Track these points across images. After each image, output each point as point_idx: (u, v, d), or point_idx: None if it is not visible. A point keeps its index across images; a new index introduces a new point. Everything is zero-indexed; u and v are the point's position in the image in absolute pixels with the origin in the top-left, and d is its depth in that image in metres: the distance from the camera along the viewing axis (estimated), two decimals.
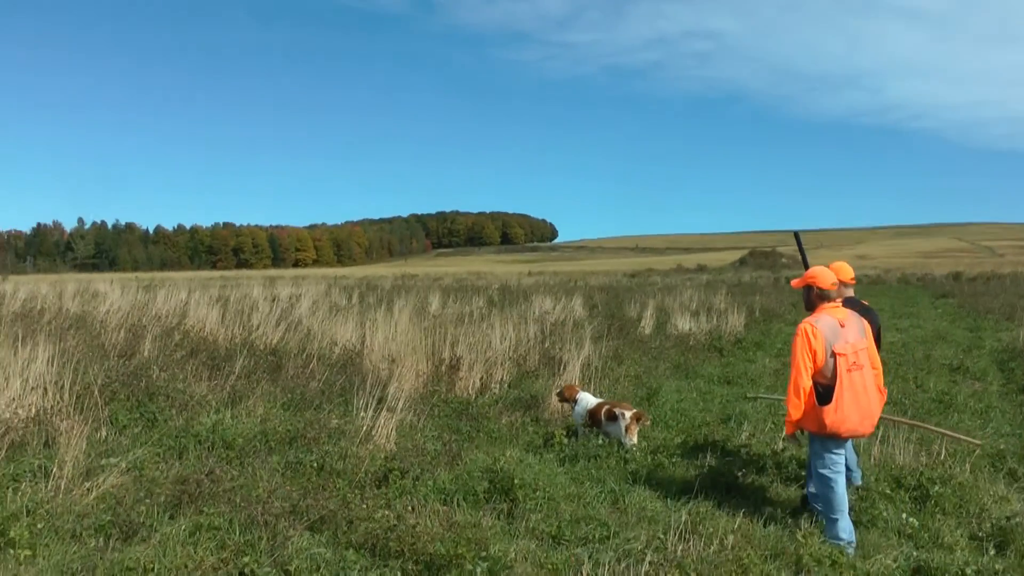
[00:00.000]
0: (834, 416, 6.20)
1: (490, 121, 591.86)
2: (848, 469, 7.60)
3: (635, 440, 8.81)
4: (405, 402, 9.47)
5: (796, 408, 6.31)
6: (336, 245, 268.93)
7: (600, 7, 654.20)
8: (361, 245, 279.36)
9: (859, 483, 7.59)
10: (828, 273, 6.64)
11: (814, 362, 6.27)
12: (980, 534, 6.54)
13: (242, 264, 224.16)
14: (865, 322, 6.72)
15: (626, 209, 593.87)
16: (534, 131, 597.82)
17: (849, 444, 7.44)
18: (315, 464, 7.58)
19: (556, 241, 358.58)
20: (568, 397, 9.84)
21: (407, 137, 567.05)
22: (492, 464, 7.58)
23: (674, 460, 8.50)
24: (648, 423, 9.26)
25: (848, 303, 7.30)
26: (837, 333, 6.31)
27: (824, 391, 6.30)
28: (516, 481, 7.15)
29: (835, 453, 6.40)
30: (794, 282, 7.02)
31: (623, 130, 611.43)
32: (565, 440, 9.02)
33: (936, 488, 7.25)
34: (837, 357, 6.24)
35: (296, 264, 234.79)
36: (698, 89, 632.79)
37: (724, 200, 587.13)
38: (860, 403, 6.27)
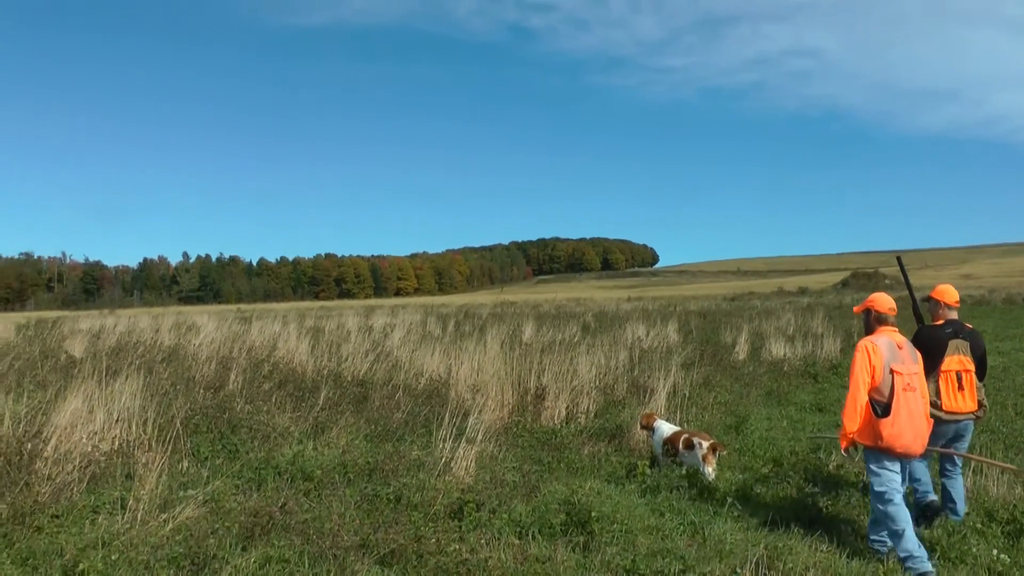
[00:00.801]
0: (891, 430, 6.37)
1: (588, 147, 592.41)
2: (951, 500, 7.33)
3: (713, 470, 8.59)
4: (486, 433, 9.44)
5: (852, 421, 6.50)
6: (437, 273, 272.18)
7: (697, 31, 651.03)
8: (462, 273, 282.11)
9: (960, 517, 7.26)
10: (886, 299, 6.84)
11: (872, 378, 6.48)
12: None
13: (344, 294, 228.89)
14: (916, 351, 6.80)
15: (727, 232, 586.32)
16: (633, 156, 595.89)
17: (959, 479, 7.42)
18: (391, 496, 7.59)
19: (657, 266, 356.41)
20: (646, 425, 9.71)
21: (507, 165, 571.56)
22: (570, 496, 7.48)
23: (758, 491, 8.25)
24: (725, 452, 9.01)
25: (952, 325, 7.34)
26: (895, 353, 6.53)
27: (881, 408, 6.46)
28: (593, 513, 7.03)
29: (890, 469, 6.49)
30: (856, 308, 7.25)
31: (722, 152, 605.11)
32: (648, 471, 8.85)
33: None
34: (895, 375, 6.44)
35: (397, 293, 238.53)
36: (798, 108, 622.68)
37: (825, 221, 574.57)
38: (915, 422, 6.46)
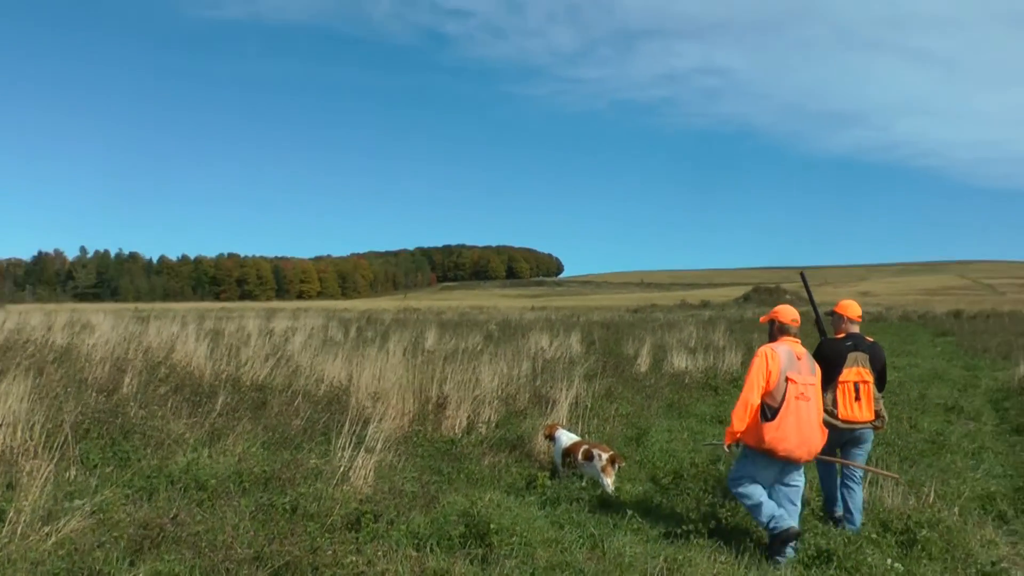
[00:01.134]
0: (774, 433, 6.65)
1: (498, 155, 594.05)
2: (849, 511, 7.59)
3: (612, 482, 8.61)
4: (386, 442, 9.30)
5: (740, 421, 6.77)
6: (341, 277, 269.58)
7: (611, 43, 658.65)
8: (366, 278, 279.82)
9: (857, 527, 7.44)
10: (789, 310, 7.20)
11: (767, 383, 6.75)
12: None
13: (246, 295, 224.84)
14: (816, 364, 7.11)
15: (632, 244, 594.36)
16: (542, 165, 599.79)
17: (859, 491, 7.66)
18: (287, 507, 7.38)
19: (562, 276, 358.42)
20: (549, 435, 9.72)
21: (414, 170, 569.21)
22: (469, 507, 7.39)
23: (659, 502, 8.31)
24: (624, 464, 9.04)
25: (853, 339, 7.62)
26: (793, 362, 6.81)
27: (770, 412, 6.72)
28: (492, 526, 6.94)
29: (760, 469, 6.90)
30: (762, 318, 7.54)
31: (631, 165, 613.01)
32: (548, 483, 8.83)
33: (924, 532, 7.10)
34: (789, 383, 6.71)
35: (300, 296, 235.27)
36: (707, 125, 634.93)
37: (730, 236, 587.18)
38: (802, 430, 6.71)
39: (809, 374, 6.88)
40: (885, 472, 8.15)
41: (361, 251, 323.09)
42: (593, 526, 7.47)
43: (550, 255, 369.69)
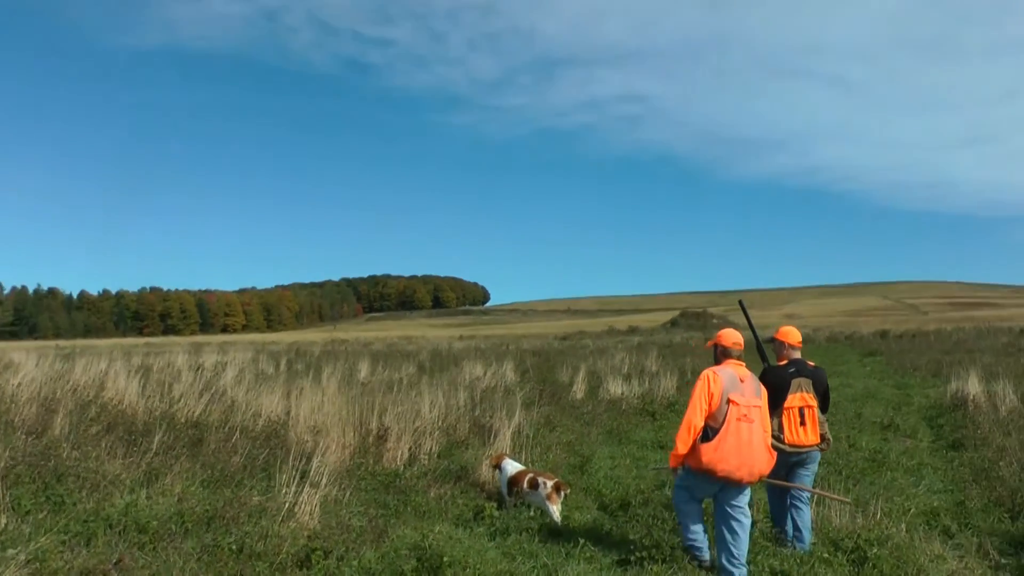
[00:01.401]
0: (712, 454, 6.66)
1: (423, 184, 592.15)
2: (798, 530, 7.65)
3: (558, 510, 8.54)
4: (330, 476, 9.08)
5: (684, 444, 6.80)
6: (266, 310, 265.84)
7: (532, 71, 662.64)
8: (291, 309, 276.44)
9: (807, 547, 7.46)
10: (731, 334, 7.28)
11: (709, 405, 6.76)
12: None
13: (169, 330, 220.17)
14: (763, 387, 7.10)
15: (558, 272, 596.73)
16: (467, 194, 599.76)
17: (807, 510, 7.74)
18: (233, 546, 7.14)
19: (488, 304, 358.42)
20: (496, 464, 9.63)
21: (339, 200, 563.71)
22: (420, 541, 7.25)
23: (610, 530, 8.25)
24: (568, 492, 8.97)
25: (796, 365, 7.68)
26: (736, 385, 6.82)
27: (711, 432, 6.75)
28: (445, 559, 6.81)
29: (698, 491, 7.01)
30: (708, 343, 7.61)
31: (555, 192, 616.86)
32: (496, 513, 8.72)
33: (874, 550, 7.15)
34: (731, 405, 6.71)
35: (225, 329, 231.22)
36: (629, 152, 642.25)
37: (655, 262, 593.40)
38: (742, 452, 6.70)
39: (753, 396, 6.88)
40: (836, 496, 8.21)
41: (286, 283, 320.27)
42: (545, 556, 7.38)
43: (476, 284, 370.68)
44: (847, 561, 7.10)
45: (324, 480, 8.67)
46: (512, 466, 9.39)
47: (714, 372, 6.90)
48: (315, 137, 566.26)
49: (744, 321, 8.80)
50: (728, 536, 6.89)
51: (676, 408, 17.50)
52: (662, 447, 13.10)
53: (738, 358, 7.16)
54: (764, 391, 7.08)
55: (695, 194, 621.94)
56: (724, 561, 6.84)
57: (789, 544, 7.61)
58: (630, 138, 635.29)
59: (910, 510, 8.42)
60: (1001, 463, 10.25)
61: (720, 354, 7.20)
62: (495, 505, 8.93)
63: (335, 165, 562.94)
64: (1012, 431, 12.39)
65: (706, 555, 7.12)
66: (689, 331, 76.22)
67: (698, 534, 7.18)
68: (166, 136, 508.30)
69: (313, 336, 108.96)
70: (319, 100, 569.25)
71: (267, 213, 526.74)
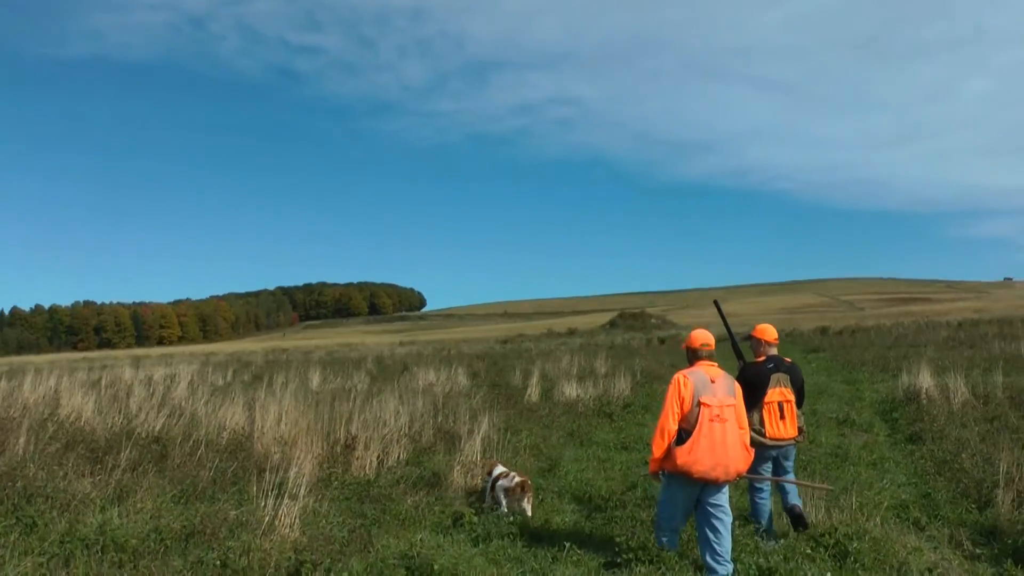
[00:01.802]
0: (687, 457, 6.66)
1: (356, 190, 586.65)
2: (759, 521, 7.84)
3: (528, 508, 8.70)
4: (307, 487, 8.91)
5: (659, 448, 6.83)
6: (201, 321, 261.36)
7: (463, 76, 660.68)
8: (227, 320, 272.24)
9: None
10: (700, 335, 7.24)
11: (681, 408, 6.77)
12: None
13: (104, 344, 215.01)
14: (736, 384, 7.14)
15: (494, 275, 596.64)
16: (401, 200, 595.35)
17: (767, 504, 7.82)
18: (217, 562, 6.97)
19: (425, 310, 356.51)
20: (489, 472, 9.65)
21: (272, 208, 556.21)
22: (408, 550, 7.18)
23: (591, 532, 8.24)
24: (530, 495, 9.00)
25: (773, 361, 7.84)
26: (707, 386, 6.81)
27: (684, 435, 6.75)
28: (436, 567, 6.74)
29: (681, 492, 6.93)
30: (683, 345, 7.53)
31: (489, 196, 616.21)
32: (475, 519, 8.64)
33: (854, 544, 7.21)
34: (702, 407, 6.71)
35: (161, 342, 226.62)
36: (562, 154, 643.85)
37: (590, 263, 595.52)
38: (716, 452, 6.70)
39: (726, 395, 6.89)
40: (818, 485, 8.32)
41: (221, 293, 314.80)
42: (532, 560, 7.34)
43: (412, 289, 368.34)
44: (828, 556, 7.16)
45: (302, 491, 8.50)
46: (498, 470, 9.43)
47: (684, 376, 6.91)
48: (246, 145, 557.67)
49: (716, 318, 8.88)
50: (711, 535, 6.90)
51: (632, 409, 17.55)
52: (625, 448, 13.13)
53: (709, 358, 7.14)
54: (738, 389, 7.10)
55: (629, 196, 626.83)
56: (709, 559, 6.85)
57: (767, 538, 7.69)
58: (563, 141, 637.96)
59: (884, 504, 8.52)
60: (963, 455, 10.43)
61: (691, 356, 7.21)
62: (473, 511, 8.85)
63: (268, 173, 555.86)
64: (967, 423, 12.63)
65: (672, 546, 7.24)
66: (629, 332, 76.57)
67: (670, 538, 7.22)
68: (93, 147, 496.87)
69: (252, 346, 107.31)
70: (249, 108, 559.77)
71: (200, 223, 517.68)
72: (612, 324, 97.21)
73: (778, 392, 7.67)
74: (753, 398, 7.55)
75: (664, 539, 7.24)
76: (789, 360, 8.07)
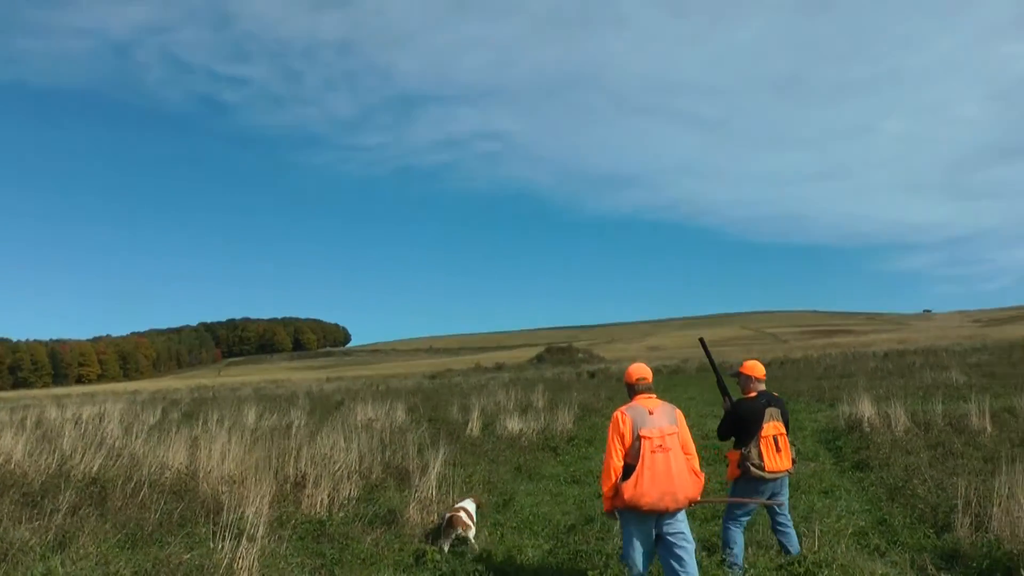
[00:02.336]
0: (632, 491, 6.59)
1: (280, 224, 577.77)
2: (789, 552, 7.74)
3: (463, 532, 8.72)
4: (265, 528, 8.47)
5: (607, 486, 6.79)
6: (122, 358, 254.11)
7: (390, 110, 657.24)
8: (148, 357, 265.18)
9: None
10: (637, 369, 7.19)
11: (623, 444, 6.73)
12: None
13: (20, 383, 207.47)
14: (677, 411, 7.07)
15: (419, 310, 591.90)
16: (326, 234, 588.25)
17: (792, 530, 7.86)
18: None
19: (349, 345, 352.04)
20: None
21: (194, 243, 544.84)
22: None
23: (561, 568, 7.95)
24: (469, 529, 8.87)
25: (763, 396, 7.78)
26: (645, 419, 6.75)
27: (628, 470, 6.69)
28: None
29: (637, 527, 6.78)
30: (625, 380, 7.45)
31: (415, 231, 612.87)
32: (438, 556, 8.30)
33: (824, 572, 7.10)
34: (642, 440, 6.65)
35: (80, 380, 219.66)
36: (489, 189, 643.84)
37: (516, 298, 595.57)
38: (660, 481, 6.63)
39: (667, 424, 6.84)
40: (770, 502, 8.22)
41: (142, 329, 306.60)
42: None
43: (337, 325, 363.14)
44: None
45: (260, 532, 8.06)
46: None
47: (622, 413, 6.86)
48: (169, 177, 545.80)
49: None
50: (675, 564, 6.72)
51: (576, 443, 17.26)
52: (575, 482, 12.89)
53: (647, 391, 7.09)
54: (679, 416, 7.04)
55: (555, 230, 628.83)
56: None
57: (737, 569, 7.54)
58: (490, 175, 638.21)
59: (848, 531, 8.44)
60: (915, 481, 10.43)
61: (630, 390, 7.16)
62: (435, 549, 8.50)
63: (191, 206, 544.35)
64: (912, 450, 12.70)
65: None
66: (558, 366, 76.24)
67: (637, 567, 6.95)
68: (12, 176, 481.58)
69: (176, 383, 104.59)
70: (174, 139, 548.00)
71: (120, 257, 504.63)
72: (539, 358, 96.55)
73: (772, 426, 7.62)
74: (748, 433, 7.56)
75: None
76: (776, 395, 8.07)
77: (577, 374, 54.27)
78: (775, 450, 7.53)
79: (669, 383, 37.93)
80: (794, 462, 7.83)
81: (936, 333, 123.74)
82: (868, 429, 15.10)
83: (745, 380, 7.90)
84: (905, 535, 8.63)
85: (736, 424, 7.66)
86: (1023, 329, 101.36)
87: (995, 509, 7.98)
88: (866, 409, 16.02)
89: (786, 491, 7.91)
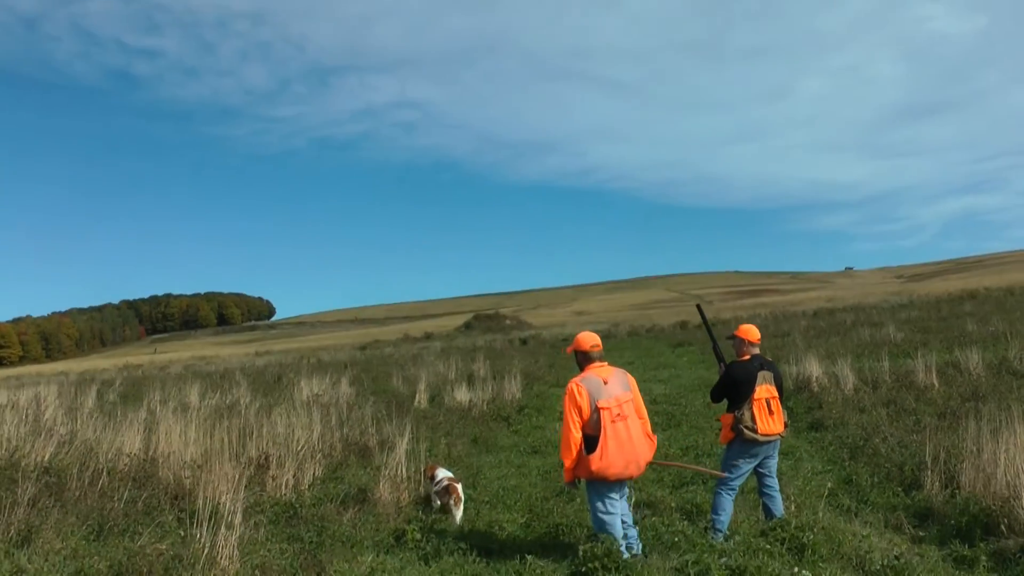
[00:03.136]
0: (600, 463, 6.63)
1: (200, 198, 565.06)
2: (773, 516, 7.74)
3: (456, 512, 8.63)
4: (231, 513, 8.09)
5: (568, 458, 6.79)
6: (44, 339, 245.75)
7: (306, 80, 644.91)
8: (71, 337, 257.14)
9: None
10: (588, 337, 7.18)
11: (581, 416, 6.72)
12: None
13: None
14: (629, 376, 7.15)
15: (342, 282, 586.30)
16: (246, 207, 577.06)
17: (778, 494, 7.85)
18: None
19: (274, 319, 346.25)
20: (431, 476, 9.36)
21: (113, 219, 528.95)
22: (368, 575, 6.57)
23: (542, 542, 7.80)
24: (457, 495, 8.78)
25: (757, 359, 7.76)
26: (601, 389, 6.78)
27: (591, 441, 6.70)
28: None
29: (607, 497, 6.84)
30: (567, 349, 7.47)
31: (335, 202, 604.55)
32: (419, 535, 8.08)
33: (808, 535, 7.06)
34: (601, 411, 6.67)
35: (1, 363, 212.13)
36: (407, 158, 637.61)
37: (439, 267, 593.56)
38: (624, 450, 6.70)
39: (622, 391, 6.90)
40: (714, 472, 8.23)
41: (63, 309, 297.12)
42: None
43: (261, 298, 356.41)
44: (786, 551, 6.98)
45: (238, 519, 7.71)
46: (442, 473, 9.05)
47: (577, 384, 6.84)
48: (82, 154, 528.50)
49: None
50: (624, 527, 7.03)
51: (527, 412, 17.09)
52: (536, 452, 12.75)
53: (600, 359, 7.09)
54: (632, 382, 7.13)
55: (476, 198, 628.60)
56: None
57: (720, 535, 7.51)
58: (408, 144, 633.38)
59: (824, 493, 8.46)
60: (876, 440, 10.51)
61: (582, 359, 7.13)
62: (415, 528, 8.27)
63: (107, 182, 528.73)
64: (866, 409, 12.82)
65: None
66: (487, 334, 75.74)
67: (618, 535, 6.94)
68: None
69: (102, 363, 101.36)
70: (86, 113, 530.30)
71: (37, 236, 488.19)
72: (468, 326, 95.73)
73: (764, 389, 7.59)
74: (741, 396, 7.54)
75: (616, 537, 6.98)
76: (770, 359, 8.07)
77: (509, 341, 54.01)
78: (768, 413, 7.52)
79: (603, 348, 37.94)
80: (786, 425, 7.85)
81: (861, 290, 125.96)
82: (817, 389, 15.25)
83: (739, 343, 7.89)
84: (874, 494, 8.69)
85: (729, 387, 7.64)
86: (946, 284, 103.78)
87: (964, 466, 8.08)
88: (814, 369, 16.17)
89: (776, 456, 7.89)
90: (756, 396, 7.48)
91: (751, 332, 7.92)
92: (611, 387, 6.85)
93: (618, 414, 6.74)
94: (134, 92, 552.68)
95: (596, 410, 6.69)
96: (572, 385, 6.87)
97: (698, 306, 9.49)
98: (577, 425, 6.73)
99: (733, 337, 7.99)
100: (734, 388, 7.59)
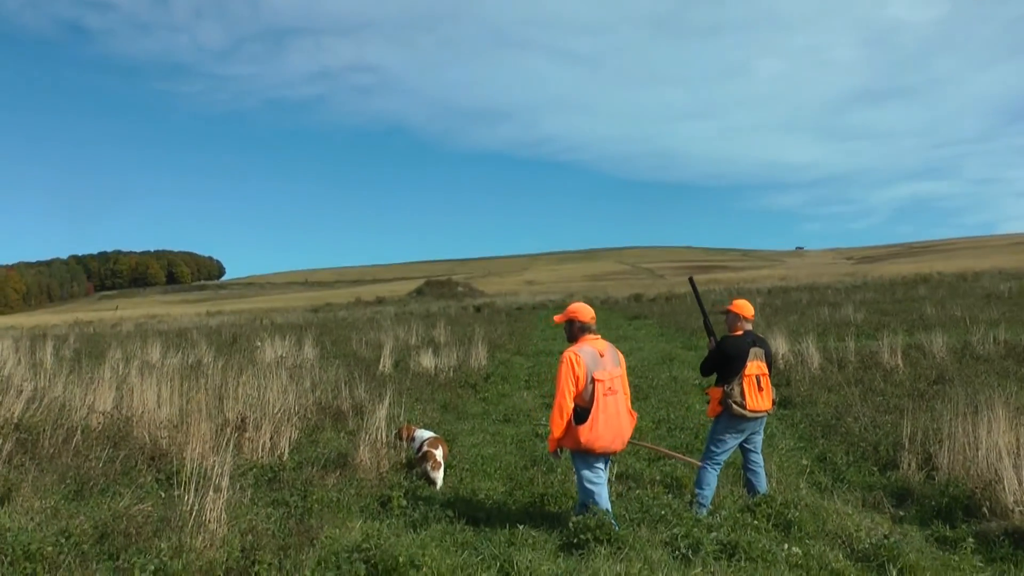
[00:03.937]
0: (589, 435, 6.56)
1: (150, 155, 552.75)
2: (757, 492, 7.71)
3: (437, 477, 8.62)
4: (220, 475, 7.90)
5: (558, 428, 6.68)
6: None
7: (261, 40, 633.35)
8: (18, 291, 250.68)
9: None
10: (586, 308, 7.04)
11: (576, 386, 6.61)
12: (860, 554, 6.38)
13: None
14: (620, 353, 7.04)
15: (292, 243, 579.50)
16: (197, 165, 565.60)
17: (762, 471, 7.83)
18: (152, 569, 5.99)
19: (224, 279, 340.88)
20: (408, 437, 9.34)
21: (62, 172, 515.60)
22: (362, 542, 6.44)
23: (529, 511, 7.73)
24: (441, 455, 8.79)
25: (749, 335, 7.69)
26: (597, 361, 6.70)
27: (581, 412, 6.62)
28: (401, 559, 6.04)
29: (593, 467, 6.78)
30: (556, 317, 7.24)
31: (287, 164, 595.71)
32: (404, 502, 7.96)
33: (793, 512, 7.08)
34: (596, 383, 6.60)
35: None
36: (361, 123, 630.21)
37: (390, 232, 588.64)
38: (612, 424, 6.64)
39: (614, 367, 6.86)
40: (690, 459, 8.26)
41: (10, 263, 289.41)
42: (489, 546, 6.71)
43: (211, 258, 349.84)
44: (772, 527, 7.00)
45: (226, 482, 7.51)
46: (424, 434, 9.12)
47: (575, 354, 6.73)
48: (33, 105, 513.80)
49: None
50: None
51: (492, 380, 16.96)
52: (508, 421, 12.65)
53: (595, 332, 7.01)
54: (622, 359, 7.08)
55: (428, 164, 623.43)
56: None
57: (703, 510, 7.51)
58: (363, 108, 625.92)
59: (802, 470, 8.49)
60: (848, 418, 10.55)
61: (577, 330, 6.98)
62: (401, 493, 8.14)
63: (56, 137, 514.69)
64: (833, 387, 12.89)
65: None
66: (440, 300, 75.25)
67: (606, 505, 6.93)
68: None
69: (50, 318, 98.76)
70: (35, 66, 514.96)
71: None
72: (420, 292, 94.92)
73: (755, 365, 7.53)
74: (731, 371, 7.49)
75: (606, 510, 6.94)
76: (761, 336, 7.99)
77: (463, 308, 53.76)
78: (757, 389, 7.50)
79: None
80: (774, 403, 7.82)
81: (811, 270, 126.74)
82: (783, 366, 15.31)
83: (733, 318, 7.82)
84: (851, 473, 8.71)
85: (720, 361, 7.58)
86: (898, 267, 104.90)
87: (942, 448, 8.14)
88: (780, 346, 16.26)
89: (761, 433, 7.88)
90: (747, 372, 7.45)
91: (745, 308, 7.84)
92: (606, 360, 6.79)
93: (610, 388, 6.70)
94: (86, 45, 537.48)
95: (592, 381, 6.63)
96: (570, 354, 6.74)
97: (691, 279, 9.39)
98: (571, 395, 6.66)
99: (727, 312, 7.91)
100: (726, 363, 7.53)
